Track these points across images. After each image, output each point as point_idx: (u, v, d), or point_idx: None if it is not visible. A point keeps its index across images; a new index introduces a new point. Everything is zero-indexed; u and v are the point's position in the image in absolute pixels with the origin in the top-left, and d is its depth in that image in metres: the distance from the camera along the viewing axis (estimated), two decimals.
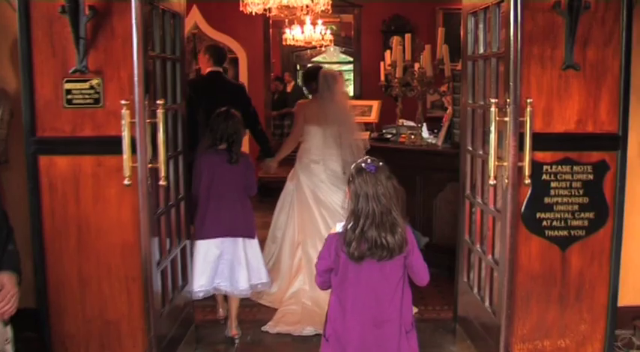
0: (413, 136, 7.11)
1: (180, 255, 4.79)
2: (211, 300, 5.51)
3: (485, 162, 4.27)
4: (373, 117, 8.60)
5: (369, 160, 3.22)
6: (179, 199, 4.73)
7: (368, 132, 8.10)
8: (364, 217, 3.10)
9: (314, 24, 13.19)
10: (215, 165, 5.01)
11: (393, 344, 3.20)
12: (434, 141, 7.09)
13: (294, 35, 13.47)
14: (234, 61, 11.66)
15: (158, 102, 3.90)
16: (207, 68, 6.43)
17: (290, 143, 6.47)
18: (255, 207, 5.43)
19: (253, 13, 8.61)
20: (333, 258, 3.21)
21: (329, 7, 8.64)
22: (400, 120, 8.26)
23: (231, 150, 5.02)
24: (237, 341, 5.17)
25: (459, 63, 5.65)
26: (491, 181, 3.88)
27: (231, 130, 5.01)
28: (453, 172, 6.02)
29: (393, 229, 3.12)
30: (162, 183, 3.93)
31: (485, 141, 4.31)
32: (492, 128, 3.83)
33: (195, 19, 11.13)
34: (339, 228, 3.25)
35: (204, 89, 6.22)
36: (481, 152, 4.44)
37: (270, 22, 11.31)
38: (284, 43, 13.90)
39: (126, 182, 3.85)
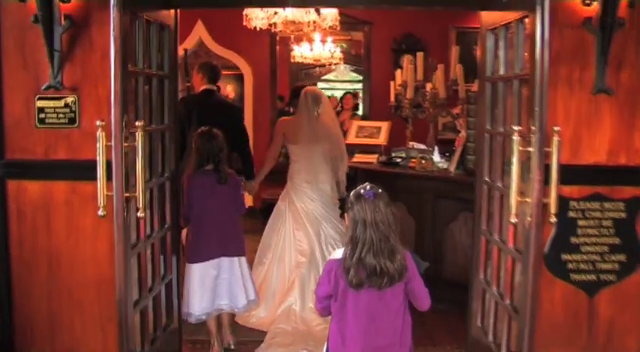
0: (424, 161, 6.65)
1: (164, 291, 4.34)
2: (203, 334, 5.16)
3: (504, 196, 3.81)
4: (382, 139, 8.14)
5: (367, 187, 3.18)
6: (166, 229, 4.28)
7: (376, 155, 7.66)
8: (362, 244, 3.06)
9: (323, 41, 12.77)
10: (205, 187, 4.88)
11: None
12: (446, 167, 6.63)
13: (302, 53, 13.04)
14: (239, 78, 11.27)
15: (137, 123, 3.44)
16: (200, 86, 6.27)
17: (268, 162, 6.30)
18: (259, 229, 5.62)
19: (258, 29, 8.17)
20: (333, 284, 3.15)
21: (337, 24, 8.21)
22: (410, 143, 7.82)
23: (219, 170, 4.90)
24: (232, 346, 5.16)
25: (474, 84, 5.23)
26: (513, 219, 3.39)
27: (216, 150, 4.88)
28: (467, 202, 5.70)
29: (391, 256, 3.08)
30: (139, 214, 3.47)
31: (505, 173, 3.84)
32: (514, 159, 3.36)
33: (199, 34, 10.71)
34: (338, 254, 3.20)
35: (197, 108, 5.99)
36: (500, 184, 3.95)
37: (278, 38, 10.88)
38: (292, 60, 13.48)
39: (100, 212, 3.41)
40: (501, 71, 3.98)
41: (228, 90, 14.52)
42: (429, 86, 6.76)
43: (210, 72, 6.33)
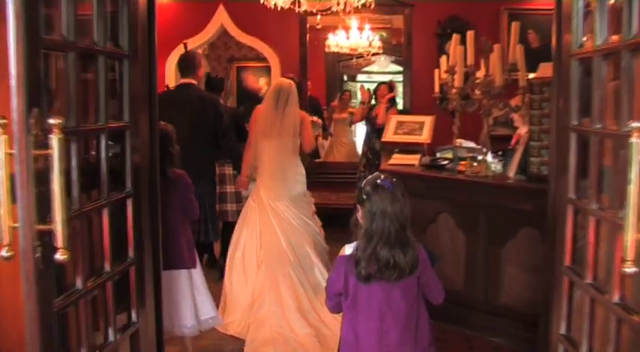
0: (475, 164, 5.40)
1: (130, 344, 3.15)
2: None
3: (601, 222, 2.56)
4: (425, 136, 6.88)
5: (382, 176, 3.09)
6: (129, 263, 3.10)
7: (418, 156, 6.41)
8: (378, 237, 2.96)
9: (360, 29, 11.55)
10: None
11: None
12: (502, 171, 5.38)
13: (338, 41, 11.84)
14: (267, 70, 10.16)
15: (51, 120, 2.23)
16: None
17: (247, 153, 5.94)
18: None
19: (279, 7, 6.97)
20: (343, 281, 3.05)
21: (371, 1, 6.95)
22: (458, 141, 6.62)
23: (161, 171, 3.99)
24: None
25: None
26: (629, 269, 2.13)
27: (163, 148, 4.14)
28: (529, 215, 4.76)
29: (405, 248, 2.99)
30: (59, 257, 2.27)
31: (603, 190, 2.60)
32: (633, 174, 2.10)
33: (221, 20, 9.58)
34: (348, 250, 3.09)
35: (169, 105, 5.49)
36: (595, 206, 2.68)
37: (308, 25, 9.69)
38: (326, 49, 12.26)
39: (3, 253, 2.23)
40: (598, 41, 2.67)
41: (261, 83, 13.38)
42: (481, 72, 5.51)
43: (181, 63, 6.05)
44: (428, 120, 7.14)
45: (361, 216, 3.08)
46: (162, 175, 4.08)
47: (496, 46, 5.10)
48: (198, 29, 9.68)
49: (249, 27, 9.61)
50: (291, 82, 5.93)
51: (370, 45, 11.98)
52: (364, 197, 3.03)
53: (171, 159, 4.44)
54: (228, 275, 5.70)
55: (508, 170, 5.28)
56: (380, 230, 2.95)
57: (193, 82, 6.04)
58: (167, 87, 7.92)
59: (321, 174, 9.57)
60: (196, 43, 9.69)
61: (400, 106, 9.71)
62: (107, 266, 2.86)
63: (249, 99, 10.57)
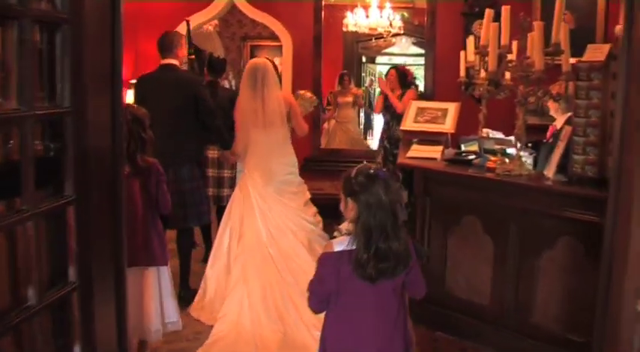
0: (508, 160, 4.65)
1: None
2: None
3: None
4: (448, 125, 6.12)
5: (373, 166, 2.91)
6: (68, 289, 2.39)
7: (440, 148, 5.67)
8: (378, 231, 2.76)
9: (381, 7, 10.77)
10: None
11: None
12: (538, 169, 4.64)
13: (356, 20, 11.06)
14: (278, 49, 9.55)
15: None
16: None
17: (236, 146, 5.62)
18: None
19: None
20: (335, 279, 2.83)
21: None
22: (484, 131, 5.91)
23: (130, 157, 4.03)
24: None
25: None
26: None
27: (135, 132, 4.06)
28: (571, 223, 4.22)
29: (400, 240, 2.81)
30: None
31: None
32: None
33: None
34: (338, 246, 2.84)
35: (150, 87, 5.60)
36: None
37: (323, 2, 8.94)
38: (344, 28, 11.47)
39: None
40: None
41: (276, 63, 12.67)
42: (512, 55, 4.75)
43: (159, 44, 5.81)
44: (452, 108, 6.39)
45: (350, 209, 2.85)
46: (131, 163, 4.01)
47: (536, 24, 4.32)
48: (206, 4, 8.94)
49: (260, 2, 8.86)
50: (266, 60, 5.56)
51: (391, 25, 11.19)
52: (357, 188, 2.81)
53: (142, 146, 4.13)
54: (211, 264, 5.47)
55: (545, 168, 4.52)
56: (376, 223, 2.77)
57: (174, 62, 5.77)
58: (191, 64, 7.20)
59: (330, 162, 8.84)
60: (202, 18, 8.99)
61: (422, 89, 8.96)
62: (33, 296, 2.15)
63: None
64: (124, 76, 6.79)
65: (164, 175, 4.31)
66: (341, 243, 2.86)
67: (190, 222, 5.81)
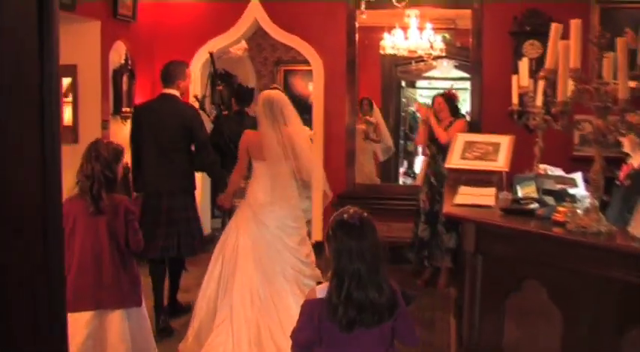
0: (580, 212, 3.67)
1: None
2: None
3: None
4: (502, 163, 5.16)
5: (351, 210, 2.83)
6: None
7: (493, 191, 4.73)
8: (349, 278, 2.70)
9: (421, 29, 9.86)
10: (79, 216, 4.00)
11: None
12: (607, 223, 3.66)
13: (395, 43, 10.15)
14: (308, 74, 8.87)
15: None
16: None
17: (234, 178, 5.44)
18: None
19: None
20: (316, 327, 2.75)
21: None
22: (541, 166, 5.10)
23: (94, 196, 3.97)
24: None
25: None
26: None
27: (96, 170, 3.98)
28: None
29: (380, 290, 2.72)
30: None
31: None
32: None
33: (255, 14, 8.00)
34: (320, 293, 2.81)
35: (147, 117, 5.65)
36: None
37: (357, 24, 8.07)
38: (382, 51, 10.56)
39: None
40: None
41: (311, 89, 11.84)
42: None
43: (162, 73, 5.75)
44: (505, 142, 5.45)
45: (329, 255, 2.82)
46: (94, 202, 3.93)
47: (620, 41, 3.35)
48: (229, 25, 8.13)
49: (288, 23, 8.01)
50: (280, 92, 5.43)
51: (431, 47, 10.25)
52: (330, 234, 2.80)
53: (107, 185, 4.03)
54: (201, 297, 5.15)
55: (631, 224, 3.54)
56: (350, 270, 2.71)
57: (173, 92, 5.68)
58: (196, 97, 7.09)
59: (367, 200, 7.92)
60: (225, 41, 8.19)
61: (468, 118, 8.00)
62: None
63: (297, 106, 9.10)
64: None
65: (134, 213, 4.24)
66: (323, 290, 2.79)
67: (184, 253, 5.71)
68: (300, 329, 2.85)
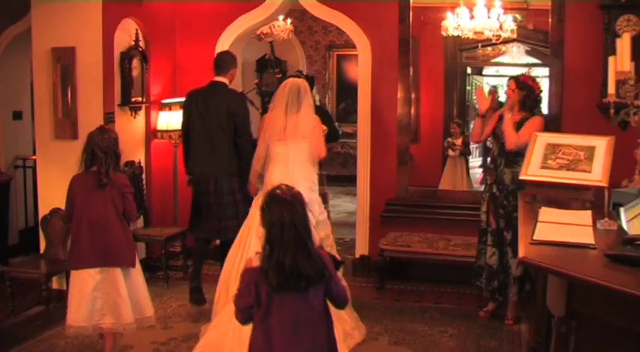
0: None
1: None
2: None
3: None
4: (598, 175, 3.69)
5: (283, 187, 3.05)
6: None
7: (587, 214, 3.26)
8: (279, 246, 2.90)
9: (489, 6, 8.34)
10: (85, 190, 4.49)
11: None
12: None
13: (459, 23, 8.65)
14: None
15: None
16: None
17: (254, 163, 5.30)
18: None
19: None
20: (254, 293, 2.95)
21: None
22: None
23: (100, 172, 4.42)
24: None
25: None
26: None
27: (103, 150, 4.42)
28: None
29: (309, 258, 2.91)
30: None
31: None
32: None
33: None
34: (257, 261, 3.00)
35: (196, 103, 5.80)
36: None
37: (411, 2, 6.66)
38: (444, 33, 9.06)
39: None
40: None
41: None
42: None
43: (216, 61, 5.95)
44: (602, 145, 4.00)
45: (262, 225, 3.00)
46: (103, 177, 4.41)
47: None
48: (256, 3, 6.83)
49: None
50: (303, 80, 5.35)
51: (501, 28, 8.72)
52: (264, 207, 2.98)
53: (116, 162, 4.54)
54: (221, 281, 5.15)
55: None
56: (280, 240, 2.90)
57: (224, 80, 5.87)
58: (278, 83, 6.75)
59: (421, 208, 6.53)
60: (255, 19, 6.96)
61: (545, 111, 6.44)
62: None
63: (351, 93, 7.90)
64: (158, 96, 6.71)
65: (129, 187, 4.66)
66: (257, 260, 2.98)
67: (228, 235, 5.66)
68: (240, 295, 3.02)
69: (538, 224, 3.28)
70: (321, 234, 5.08)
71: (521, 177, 4.06)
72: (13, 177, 7.46)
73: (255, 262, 2.99)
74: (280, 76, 10.33)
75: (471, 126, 10.18)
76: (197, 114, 5.75)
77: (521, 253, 2.89)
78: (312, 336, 2.98)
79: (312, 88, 6.76)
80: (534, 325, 4.30)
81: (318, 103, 7.70)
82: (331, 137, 6.39)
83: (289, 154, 5.10)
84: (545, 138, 4.21)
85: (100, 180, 4.41)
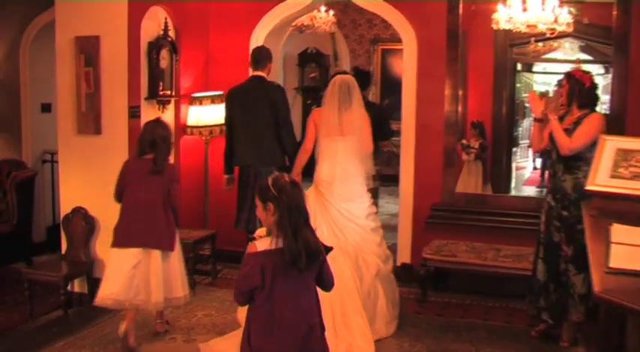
0: None
1: None
2: None
3: None
4: None
5: (284, 175, 3.16)
6: None
7: None
8: (298, 228, 3.02)
9: None
10: (137, 174, 4.75)
11: (319, 346, 3.22)
12: None
13: (510, 15, 8.07)
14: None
15: None
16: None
17: (300, 155, 5.39)
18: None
19: None
20: (259, 275, 3.04)
21: None
22: None
23: (154, 160, 4.71)
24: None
25: None
26: None
27: (158, 139, 4.72)
28: None
29: (314, 237, 3.12)
30: None
31: None
32: None
33: None
34: (261, 245, 3.09)
35: (238, 97, 5.85)
36: None
37: None
38: (494, 26, 8.46)
39: None
40: None
41: None
42: None
43: (253, 56, 5.94)
44: None
45: (271, 212, 3.06)
46: (152, 162, 4.68)
47: None
48: None
49: None
50: (350, 76, 5.31)
51: (556, 21, 8.11)
52: (274, 194, 3.04)
53: (162, 149, 4.73)
54: None
55: None
56: (297, 221, 3.02)
57: (262, 74, 5.88)
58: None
59: (468, 214, 6.01)
60: (294, 8, 6.50)
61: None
62: None
63: (396, 89, 7.43)
64: (189, 89, 6.40)
65: (177, 176, 5.02)
66: (263, 244, 3.07)
67: (256, 226, 5.48)
68: (244, 278, 3.09)
69: (612, 246, 2.73)
70: (372, 224, 5.21)
71: (588, 187, 3.51)
72: (38, 173, 7.13)
73: (260, 246, 3.07)
74: (314, 75, 10.14)
75: (520, 127, 9.63)
76: (239, 109, 5.80)
77: (596, 285, 2.34)
78: (308, 316, 3.14)
79: (369, 84, 6.96)
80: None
81: (371, 100, 7.73)
82: (384, 135, 6.43)
83: (338, 150, 5.15)
84: (615, 143, 3.65)
85: (155, 166, 4.69)
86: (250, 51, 6.10)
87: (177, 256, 4.86)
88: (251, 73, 5.94)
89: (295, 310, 3.08)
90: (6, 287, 6.22)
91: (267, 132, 5.81)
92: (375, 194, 7.55)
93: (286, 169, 5.55)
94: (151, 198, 4.71)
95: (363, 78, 6.14)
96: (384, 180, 10.11)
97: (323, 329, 3.23)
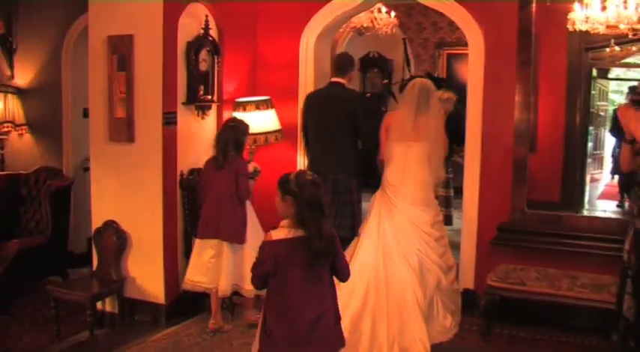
0: None
1: None
2: None
3: None
4: None
5: (306, 172, 3.50)
6: None
7: None
8: (321, 220, 3.18)
9: None
10: (208, 171, 5.13)
11: (328, 334, 3.31)
12: None
13: (588, 15, 7.32)
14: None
15: None
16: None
17: (379, 162, 5.40)
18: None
19: None
20: (273, 262, 3.22)
21: None
22: None
23: (218, 155, 5.04)
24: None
25: None
26: None
27: (227, 138, 5.03)
28: None
29: (329, 229, 3.27)
30: None
31: None
32: None
33: None
34: (276, 235, 3.26)
35: (314, 103, 5.79)
36: None
37: None
38: (570, 26, 7.73)
39: None
40: None
41: None
42: None
43: (336, 62, 5.93)
44: None
45: (290, 205, 3.21)
46: (221, 159, 5.01)
47: None
48: None
49: None
50: (428, 80, 5.30)
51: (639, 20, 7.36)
52: (295, 190, 3.19)
53: (237, 148, 5.06)
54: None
55: None
56: (318, 219, 3.16)
57: (342, 81, 5.75)
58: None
59: (540, 236, 5.31)
60: (340, 8, 6.03)
61: None
62: None
63: (462, 96, 6.88)
64: (232, 94, 6.05)
65: (243, 169, 5.11)
66: (279, 233, 3.24)
67: (342, 232, 5.10)
68: (260, 264, 3.28)
69: None
70: (436, 234, 5.12)
71: None
72: (74, 181, 6.73)
73: (276, 235, 3.23)
74: (387, 81, 9.76)
75: (594, 136, 8.80)
76: (316, 114, 5.71)
77: None
78: (317, 304, 3.26)
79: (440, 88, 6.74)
80: None
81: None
82: (459, 140, 6.15)
83: (409, 154, 5.11)
84: None
85: (217, 162, 5.02)
86: (333, 57, 6.14)
87: (250, 248, 4.85)
88: (331, 78, 5.81)
89: (304, 298, 3.24)
90: (38, 303, 5.83)
91: (344, 139, 5.67)
92: (447, 202, 7.61)
93: (365, 176, 5.78)
94: (220, 192, 4.99)
95: (437, 83, 5.87)
96: None
97: (338, 318, 3.37)
